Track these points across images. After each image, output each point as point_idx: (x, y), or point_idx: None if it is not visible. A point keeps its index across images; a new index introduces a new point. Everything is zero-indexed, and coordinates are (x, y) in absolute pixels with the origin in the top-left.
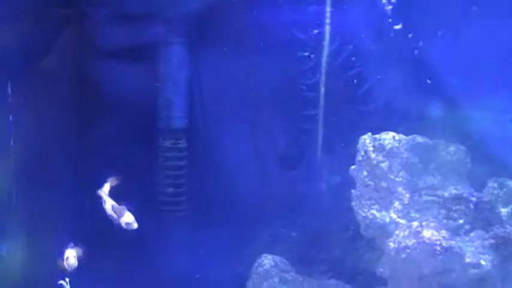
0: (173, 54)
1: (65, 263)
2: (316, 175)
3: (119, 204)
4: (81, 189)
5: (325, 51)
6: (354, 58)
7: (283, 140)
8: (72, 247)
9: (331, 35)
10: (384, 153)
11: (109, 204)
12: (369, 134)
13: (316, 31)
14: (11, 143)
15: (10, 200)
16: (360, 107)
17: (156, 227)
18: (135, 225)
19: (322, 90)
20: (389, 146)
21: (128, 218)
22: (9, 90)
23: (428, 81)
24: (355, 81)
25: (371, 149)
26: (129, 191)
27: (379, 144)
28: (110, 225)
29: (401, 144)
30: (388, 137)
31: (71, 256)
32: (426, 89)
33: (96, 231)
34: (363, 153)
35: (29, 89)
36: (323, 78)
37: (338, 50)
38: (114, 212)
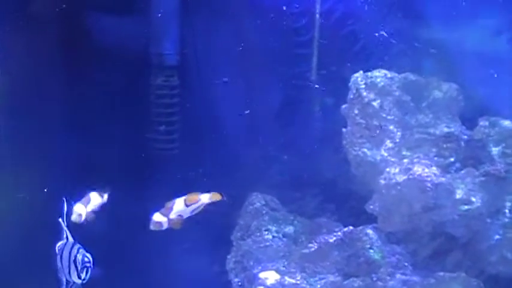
0: None
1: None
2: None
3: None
4: (69, 127)
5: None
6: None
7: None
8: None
9: None
10: (376, 91)
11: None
12: (361, 72)
13: None
14: None
15: None
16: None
17: (149, 164)
18: None
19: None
20: (381, 83)
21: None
22: None
23: None
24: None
25: (363, 86)
26: (122, 131)
27: (371, 82)
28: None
29: (393, 82)
30: (380, 75)
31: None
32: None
33: (86, 168)
34: (354, 91)
35: (14, 25)
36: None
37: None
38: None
